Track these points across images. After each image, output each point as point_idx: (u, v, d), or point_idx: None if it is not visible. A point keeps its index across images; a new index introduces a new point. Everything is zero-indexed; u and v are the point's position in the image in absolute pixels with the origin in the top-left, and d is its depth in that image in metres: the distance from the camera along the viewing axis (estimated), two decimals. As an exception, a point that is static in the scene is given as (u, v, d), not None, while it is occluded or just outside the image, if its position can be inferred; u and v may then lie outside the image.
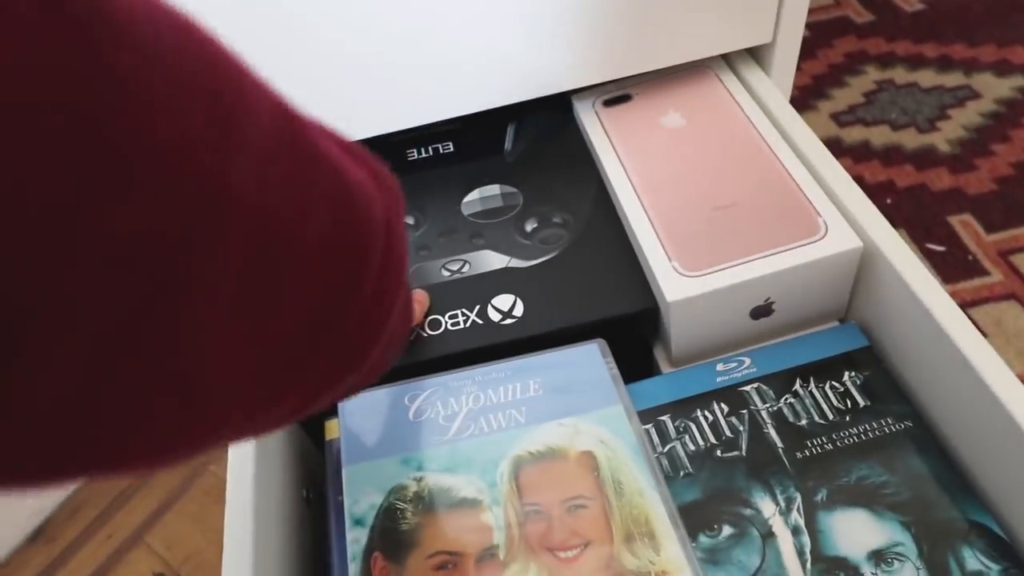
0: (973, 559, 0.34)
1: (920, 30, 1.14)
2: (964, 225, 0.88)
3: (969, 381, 0.36)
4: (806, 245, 0.42)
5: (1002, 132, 0.98)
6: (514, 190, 0.50)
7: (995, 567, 0.34)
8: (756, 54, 0.54)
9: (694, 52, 0.51)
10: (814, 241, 0.42)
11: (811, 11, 1.22)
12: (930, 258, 0.86)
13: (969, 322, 0.37)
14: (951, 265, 0.85)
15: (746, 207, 0.44)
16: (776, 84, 0.51)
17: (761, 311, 0.43)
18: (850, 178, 0.44)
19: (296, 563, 0.39)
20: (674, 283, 0.41)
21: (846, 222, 0.42)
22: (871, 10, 1.20)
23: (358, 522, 0.36)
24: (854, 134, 1.01)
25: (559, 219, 0.48)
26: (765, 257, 0.41)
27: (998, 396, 0.34)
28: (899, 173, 0.95)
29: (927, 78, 1.07)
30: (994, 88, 1.04)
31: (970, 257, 0.85)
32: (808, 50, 1.16)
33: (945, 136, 0.99)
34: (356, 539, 0.35)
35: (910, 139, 0.99)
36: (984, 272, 0.83)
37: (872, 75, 1.09)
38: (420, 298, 0.43)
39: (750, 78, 0.52)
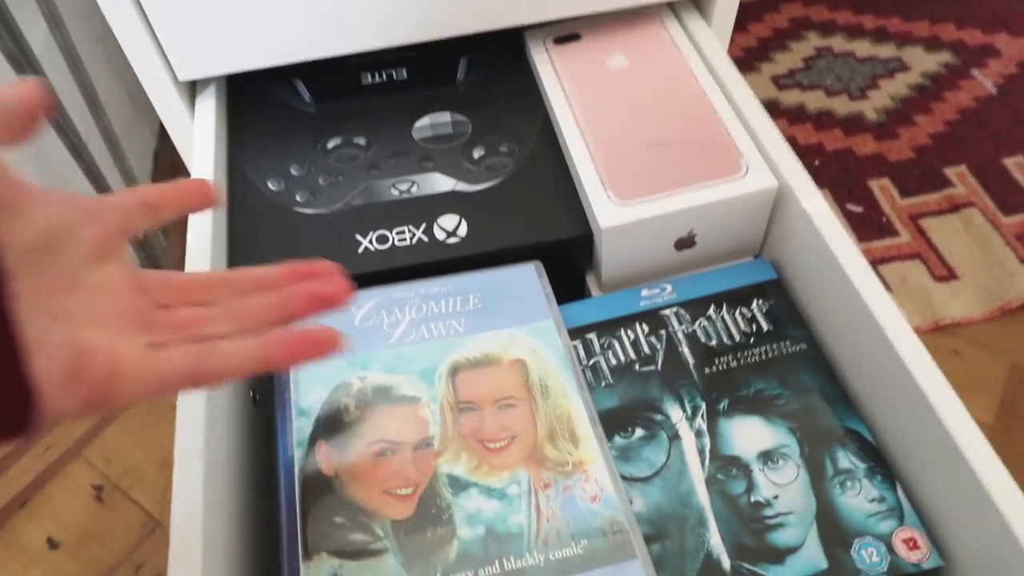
0: (845, 459, 0.39)
1: (861, 1, 1.19)
2: (882, 189, 0.95)
3: (856, 309, 0.40)
4: (728, 182, 0.45)
5: (925, 104, 1.04)
6: (464, 118, 0.52)
7: (862, 466, 0.39)
8: (699, 4, 0.57)
9: (641, -2, 0.53)
10: (735, 179, 0.46)
11: (762, -25, 1.26)
12: (849, 218, 0.92)
13: (862, 257, 0.42)
14: (867, 225, 0.91)
15: (678, 145, 0.48)
16: (715, 34, 0.54)
17: (684, 242, 0.47)
18: (773, 124, 0.48)
19: (243, 457, 0.42)
20: (608, 210, 0.45)
21: (765, 163, 0.46)
22: (818, -22, 1.24)
23: (303, 413, 0.39)
24: (791, 97, 1.06)
25: (505, 148, 0.50)
26: (691, 191, 0.45)
27: (879, 322, 0.39)
28: (829, 137, 1.01)
29: (863, 48, 1.12)
30: (923, 62, 1.10)
31: (884, 219, 0.92)
32: (755, 13, 1.19)
33: (873, 104, 1.04)
34: (302, 428, 0.38)
35: (841, 105, 1.04)
36: (895, 233, 0.90)
37: (813, 41, 1.14)
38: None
39: (692, 26, 0.55)
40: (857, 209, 0.92)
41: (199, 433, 0.37)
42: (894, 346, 0.38)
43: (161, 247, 0.86)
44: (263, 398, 0.46)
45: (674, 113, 0.50)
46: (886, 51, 1.12)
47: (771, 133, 0.48)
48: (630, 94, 0.51)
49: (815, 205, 0.44)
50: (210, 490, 0.35)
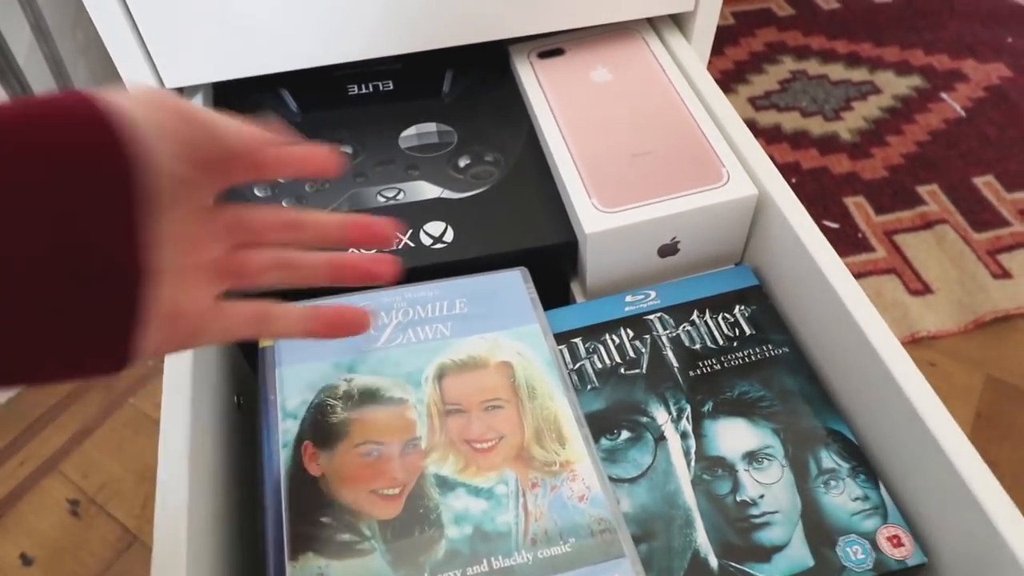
0: (828, 459, 0.40)
1: (834, 27, 1.23)
2: (857, 206, 0.97)
3: (837, 312, 0.41)
4: (710, 190, 0.46)
5: (896, 126, 1.07)
6: (450, 128, 0.53)
7: (845, 465, 0.40)
8: (679, 21, 0.58)
9: (623, 13, 0.54)
10: (717, 187, 0.47)
11: (737, 1, 1.29)
12: (826, 233, 0.93)
13: (841, 263, 0.43)
14: (843, 241, 0.93)
15: (660, 155, 0.49)
16: (695, 49, 0.56)
17: (667, 249, 0.48)
18: (751, 135, 0.49)
19: (228, 461, 0.42)
20: (592, 217, 0.45)
21: (746, 173, 0.47)
22: (792, 5, 1.28)
23: (289, 415, 0.38)
24: (768, 118, 1.08)
25: (490, 158, 0.51)
26: (674, 199, 0.46)
27: (860, 325, 0.40)
28: (805, 156, 1.03)
29: (836, 72, 1.15)
30: (893, 85, 1.13)
31: (860, 235, 0.94)
32: (732, 37, 1.22)
33: (847, 125, 1.07)
34: (288, 429, 0.38)
35: (816, 126, 1.07)
36: (871, 248, 0.92)
37: (788, 65, 1.17)
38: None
39: (672, 42, 0.57)
40: (834, 225, 0.94)
41: (183, 438, 0.36)
42: (875, 348, 0.39)
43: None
44: (247, 403, 0.46)
45: (656, 124, 0.51)
46: (859, 75, 1.15)
47: (751, 144, 0.49)
48: (613, 106, 0.52)
49: (795, 213, 0.45)
50: (194, 494, 0.35)
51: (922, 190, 0.98)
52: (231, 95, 0.54)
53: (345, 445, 0.37)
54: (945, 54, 1.17)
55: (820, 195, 0.97)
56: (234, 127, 0.26)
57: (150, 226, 0.22)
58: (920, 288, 0.87)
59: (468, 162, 0.51)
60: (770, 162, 0.48)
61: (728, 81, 1.15)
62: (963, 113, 1.08)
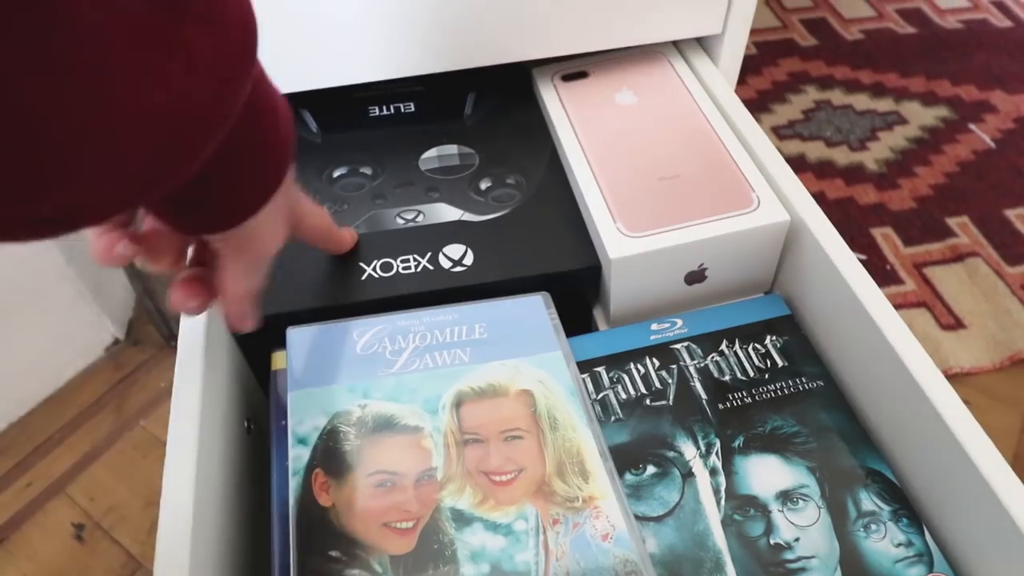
0: (868, 501, 0.38)
1: (858, 57, 1.22)
2: (885, 237, 0.95)
3: (877, 345, 0.39)
4: (740, 215, 0.45)
5: (924, 156, 1.05)
6: (471, 151, 0.52)
7: (887, 508, 0.37)
8: (705, 45, 0.57)
9: (650, 36, 0.54)
10: (747, 212, 0.45)
11: (759, 31, 1.29)
12: (853, 265, 0.91)
13: (881, 292, 0.41)
14: (871, 272, 0.90)
15: (688, 179, 0.47)
16: (722, 73, 0.55)
17: (695, 276, 0.46)
18: (783, 159, 0.48)
19: (236, 488, 0.40)
20: (617, 242, 0.44)
21: (776, 198, 0.46)
22: (815, 35, 1.27)
23: (301, 441, 0.37)
24: (791, 147, 1.07)
25: (512, 180, 0.50)
26: (702, 224, 0.44)
27: (903, 360, 0.38)
28: (830, 186, 1.01)
29: (861, 102, 1.14)
30: (920, 116, 1.11)
31: (888, 267, 0.91)
32: (755, 67, 1.22)
33: (873, 156, 1.05)
34: (298, 456, 0.36)
35: (842, 156, 1.05)
36: (900, 281, 0.90)
37: (812, 95, 1.16)
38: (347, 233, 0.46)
39: (699, 65, 0.55)
40: (861, 257, 0.92)
41: (190, 463, 0.35)
42: (919, 383, 0.37)
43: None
44: (258, 427, 0.44)
45: (684, 148, 0.49)
46: (884, 105, 1.13)
47: (782, 168, 0.48)
48: (639, 129, 0.51)
49: (830, 240, 0.43)
50: (199, 522, 0.33)
51: (952, 222, 0.96)
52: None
53: (357, 474, 0.36)
54: (972, 85, 1.16)
55: (847, 226, 0.95)
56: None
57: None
58: (952, 322, 0.84)
59: (489, 185, 0.50)
60: (802, 187, 0.46)
61: (751, 110, 1.13)
62: (993, 144, 1.06)
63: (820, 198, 0.98)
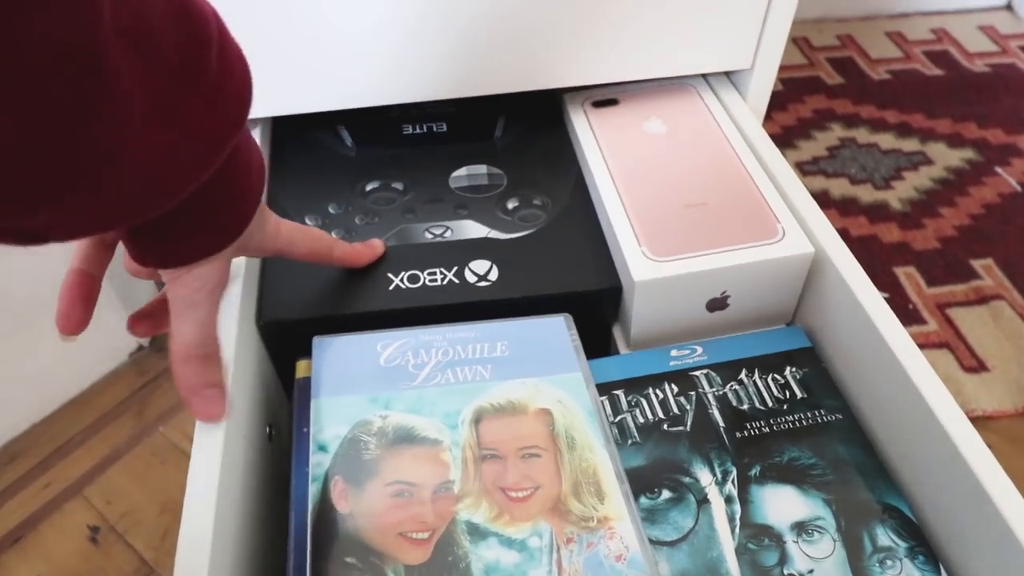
0: (884, 536, 0.37)
1: (884, 97, 1.22)
2: (908, 277, 0.94)
3: (900, 383, 0.39)
4: (764, 245, 0.45)
5: (949, 197, 1.05)
6: (500, 171, 0.53)
7: (903, 545, 0.37)
8: (734, 79, 0.58)
9: (681, 69, 0.55)
10: (771, 243, 0.45)
11: (786, 68, 1.30)
12: (874, 303, 0.91)
13: (904, 330, 0.41)
14: (894, 311, 0.90)
15: (714, 207, 0.48)
16: (750, 107, 0.55)
17: (717, 304, 0.46)
18: (808, 192, 0.48)
19: (256, 493, 0.41)
20: (642, 265, 0.44)
21: (801, 230, 0.46)
22: (841, 74, 1.28)
23: (321, 448, 0.37)
24: (815, 183, 1.07)
25: (539, 201, 0.51)
26: (726, 252, 0.45)
27: (926, 398, 0.38)
28: (853, 223, 1.01)
29: (886, 141, 1.14)
30: (946, 157, 1.11)
31: (911, 306, 0.91)
32: (781, 103, 1.22)
33: (898, 195, 1.05)
34: (319, 463, 0.37)
35: (866, 194, 1.05)
36: (922, 321, 0.89)
37: (837, 132, 1.16)
38: (374, 244, 0.47)
39: (727, 99, 0.56)
40: (884, 295, 0.92)
41: (215, 465, 0.36)
42: (941, 423, 0.37)
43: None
44: (279, 434, 0.45)
45: (710, 177, 0.50)
46: (909, 145, 1.13)
47: (807, 201, 0.48)
48: (666, 157, 0.52)
49: (854, 274, 0.44)
50: (219, 526, 0.34)
51: (976, 264, 0.95)
52: (289, 128, 0.55)
53: (376, 483, 0.36)
54: (999, 128, 1.15)
55: (869, 263, 0.95)
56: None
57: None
58: (975, 365, 0.83)
59: (516, 204, 0.50)
60: (827, 221, 0.47)
61: (776, 145, 1.14)
62: (1019, 188, 1.06)
63: (843, 235, 0.98)
